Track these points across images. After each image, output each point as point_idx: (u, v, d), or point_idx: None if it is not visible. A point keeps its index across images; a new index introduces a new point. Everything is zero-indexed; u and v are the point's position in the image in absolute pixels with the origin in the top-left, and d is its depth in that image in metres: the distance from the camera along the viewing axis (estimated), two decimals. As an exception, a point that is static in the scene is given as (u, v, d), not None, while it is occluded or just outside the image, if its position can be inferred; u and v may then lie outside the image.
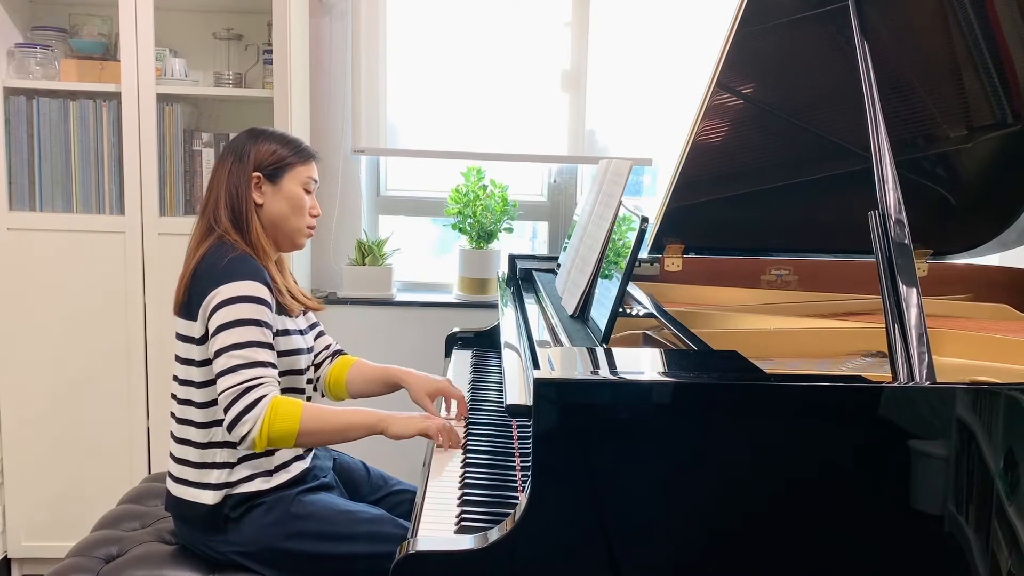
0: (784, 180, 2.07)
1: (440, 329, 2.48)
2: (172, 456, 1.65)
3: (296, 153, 1.71)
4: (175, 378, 1.66)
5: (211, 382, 1.59)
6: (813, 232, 2.21)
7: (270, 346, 1.58)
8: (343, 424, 1.58)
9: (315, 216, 1.75)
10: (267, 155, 1.68)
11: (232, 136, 1.79)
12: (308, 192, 1.73)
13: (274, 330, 1.61)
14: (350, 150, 2.89)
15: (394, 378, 1.89)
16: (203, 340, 1.59)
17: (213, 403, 1.60)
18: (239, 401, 1.50)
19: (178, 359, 1.65)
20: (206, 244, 1.64)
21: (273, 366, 1.57)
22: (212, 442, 1.61)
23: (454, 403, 1.82)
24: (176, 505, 1.64)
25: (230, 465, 1.61)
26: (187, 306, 1.62)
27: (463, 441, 1.65)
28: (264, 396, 1.51)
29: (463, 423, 1.75)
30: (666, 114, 2.87)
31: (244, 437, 1.50)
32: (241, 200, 1.67)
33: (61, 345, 2.56)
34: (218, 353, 1.53)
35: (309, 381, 1.77)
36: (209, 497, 1.59)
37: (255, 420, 1.50)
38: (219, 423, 1.60)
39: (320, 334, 1.90)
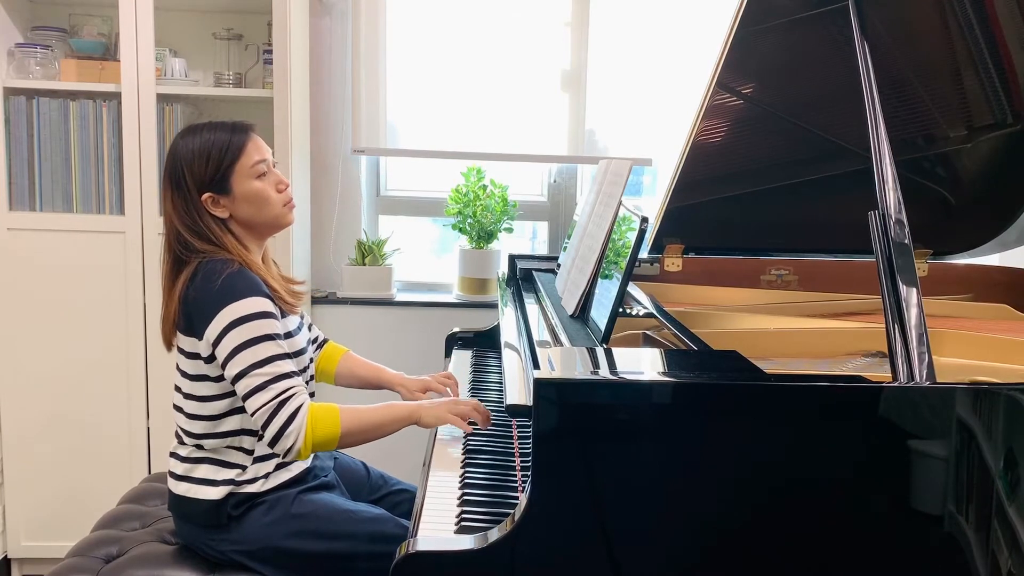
0: (784, 180, 2.07)
1: (440, 329, 2.48)
2: (176, 456, 1.65)
3: (227, 150, 1.58)
4: (178, 390, 1.63)
5: (225, 395, 1.58)
6: (813, 232, 2.21)
7: (288, 355, 1.56)
8: (380, 420, 1.58)
9: (282, 191, 1.65)
10: (201, 172, 1.58)
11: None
12: (263, 175, 1.62)
13: (283, 336, 1.59)
14: (350, 150, 2.89)
15: (385, 382, 1.94)
16: (211, 359, 1.56)
17: (230, 414, 1.59)
18: (277, 416, 1.49)
19: (184, 374, 1.61)
20: (186, 272, 1.58)
21: (298, 375, 1.55)
22: (229, 447, 1.60)
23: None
24: (178, 503, 1.64)
25: (243, 466, 1.60)
26: (189, 324, 1.57)
27: (469, 431, 1.65)
28: (301, 406, 1.50)
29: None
30: (666, 114, 2.87)
31: (289, 450, 1.50)
32: (202, 226, 1.59)
33: (61, 345, 2.56)
34: (239, 376, 1.50)
35: (312, 377, 1.78)
36: (213, 493, 1.59)
37: (298, 431, 1.49)
38: (238, 432, 1.60)
39: (309, 325, 1.89)
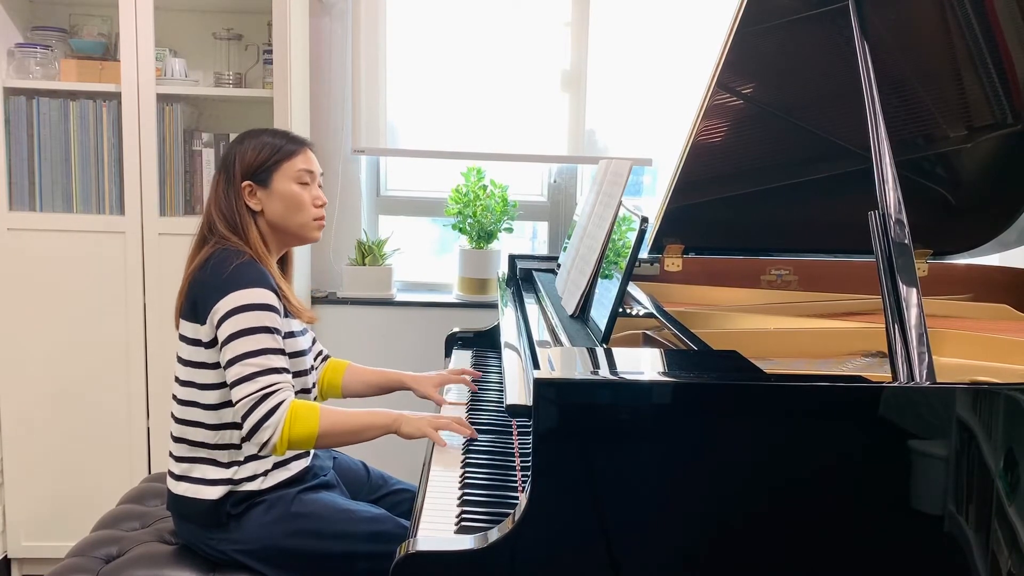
0: (784, 180, 2.07)
1: (440, 329, 2.48)
2: (172, 455, 1.65)
3: (279, 151, 1.67)
4: (176, 379, 1.65)
5: (221, 384, 1.59)
6: (813, 232, 2.21)
7: (282, 351, 1.58)
8: (360, 425, 1.59)
9: (319, 206, 1.72)
10: (251, 160, 1.66)
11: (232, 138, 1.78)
12: (304, 184, 1.69)
13: (282, 333, 1.61)
14: (350, 150, 2.89)
15: (395, 382, 1.94)
16: (212, 344, 1.58)
17: (223, 405, 1.60)
18: (258, 408, 1.50)
19: (182, 361, 1.63)
20: (205, 250, 1.64)
21: (287, 371, 1.57)
22: (220, 444, 1.61)
23: (454, 390, 1.88)
24: (177, 503, 1.64)
25: (237, 463, 1.61)
26: (192, 310, 1.61)
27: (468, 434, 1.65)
28: (282, 402, 1.51)
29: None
30: (666, 114, 2.87)
31: (265, 443, 1.51)
32: (235, 212, 1.65)
33: (61, 345, 2.56)
34: (231, 362, 1.53)
35: (314, 384, 1.78)
36: (212, 493, 1.59)
37: (275, 426, 1.50)
38: (229, 426, 1.60)
39: (313, 339, 1.90)
